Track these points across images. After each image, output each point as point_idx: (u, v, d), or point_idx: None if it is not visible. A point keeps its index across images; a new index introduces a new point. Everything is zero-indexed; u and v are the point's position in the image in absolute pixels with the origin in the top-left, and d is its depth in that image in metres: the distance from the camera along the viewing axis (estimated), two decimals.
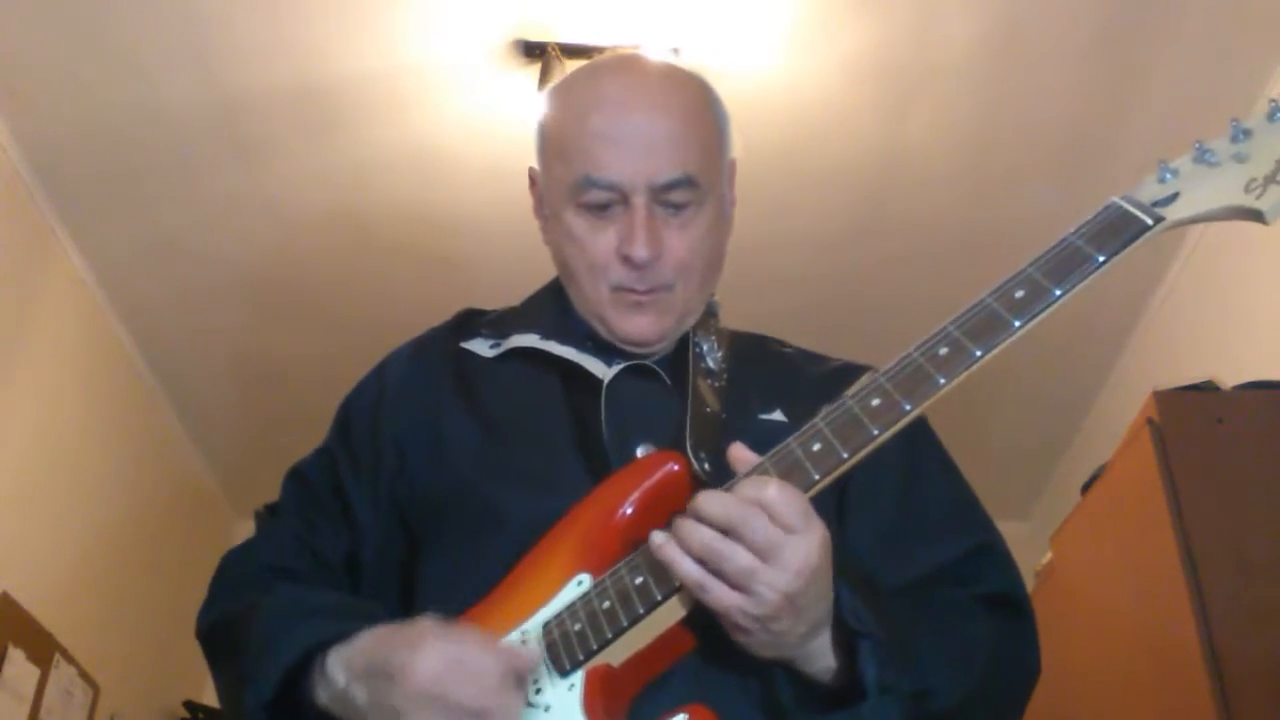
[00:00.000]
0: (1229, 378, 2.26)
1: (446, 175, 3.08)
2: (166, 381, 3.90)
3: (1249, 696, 1.83)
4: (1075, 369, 3.77)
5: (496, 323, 1.27)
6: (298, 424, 4.50)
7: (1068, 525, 2.55)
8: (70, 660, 3.27)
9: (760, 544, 0.89)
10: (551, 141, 1.21)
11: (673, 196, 1.15)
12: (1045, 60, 2.79)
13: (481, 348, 1.24)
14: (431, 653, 0.93)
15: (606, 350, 1.19)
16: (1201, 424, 2.07)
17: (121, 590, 3.70)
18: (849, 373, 1.01)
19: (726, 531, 0.90)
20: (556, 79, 2.71)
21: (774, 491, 0.90)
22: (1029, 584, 2.72)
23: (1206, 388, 2.19)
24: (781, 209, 3.19)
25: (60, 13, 2.61)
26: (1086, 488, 2.45)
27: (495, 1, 2.65)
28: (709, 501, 0.92)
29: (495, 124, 2.92)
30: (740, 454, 0.96)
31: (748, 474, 0.95)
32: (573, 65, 2.72)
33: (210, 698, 4.21)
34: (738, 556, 0.89)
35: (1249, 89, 2.80)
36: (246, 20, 2.66)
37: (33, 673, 3.04)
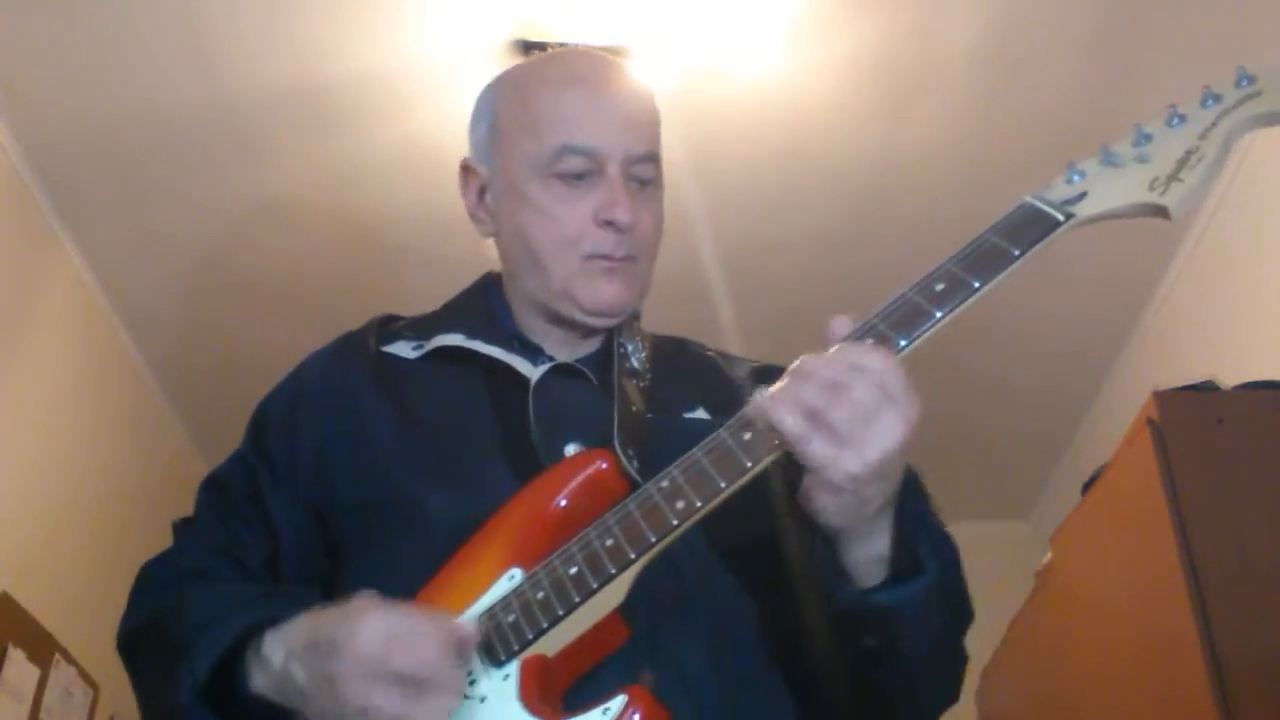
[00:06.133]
0: (1229, 378, 2.26)
1: (446, 175, 3.06)
2: (166, 381, 3.90)
3: (1249, 695, 1.83)
4: (1075, 369, 3.77)
5: (417, 325, 1.27)
6: None
7: (1068, 525, 2.55)
8: (70, 660, 3.27)
9: (867, 402, 0.90)
10: (514, 122, 1.21)
11: (642, 171, 1.18)
12: (1044, 59, 2.79)
13: (404, 350, 1.23)
14: (372, 623, 0.93)
15: (533, 351, 1.20)
16: (1201, 424, 2.07)
17: (121, 590, 3.66)
18: (770, 374, 1.02)
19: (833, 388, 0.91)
20: None
21: (881, 359, 0.91)
22: (1029, 584, 2.74)
23: (1206, 388, 2.19)
24: (782, 209, 3.19)
25: (60, 12, 2.61)
26: (1086, 488, 2.45)
27: (495, 1, 2.65)
28: (816, 359, 0.93)
29: None
30: (839, 322, 0.97)
31: (850, 336, 0.95)
32: None
33: None
34: (845, 406, 0.89)
35: None
36: (246, 20, 2.66)
37: (33, 673, 3.04)
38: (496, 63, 2.78)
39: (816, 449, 0.90)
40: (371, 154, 3.03)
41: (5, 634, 2.91)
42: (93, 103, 2.85)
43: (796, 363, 0.94)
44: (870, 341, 0.94)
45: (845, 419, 0.89)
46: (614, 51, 2.74)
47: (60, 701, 3.19)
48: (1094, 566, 2.43)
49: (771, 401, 0.92)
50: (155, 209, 3.19)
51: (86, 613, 3.42)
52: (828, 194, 3.16)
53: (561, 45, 2.72)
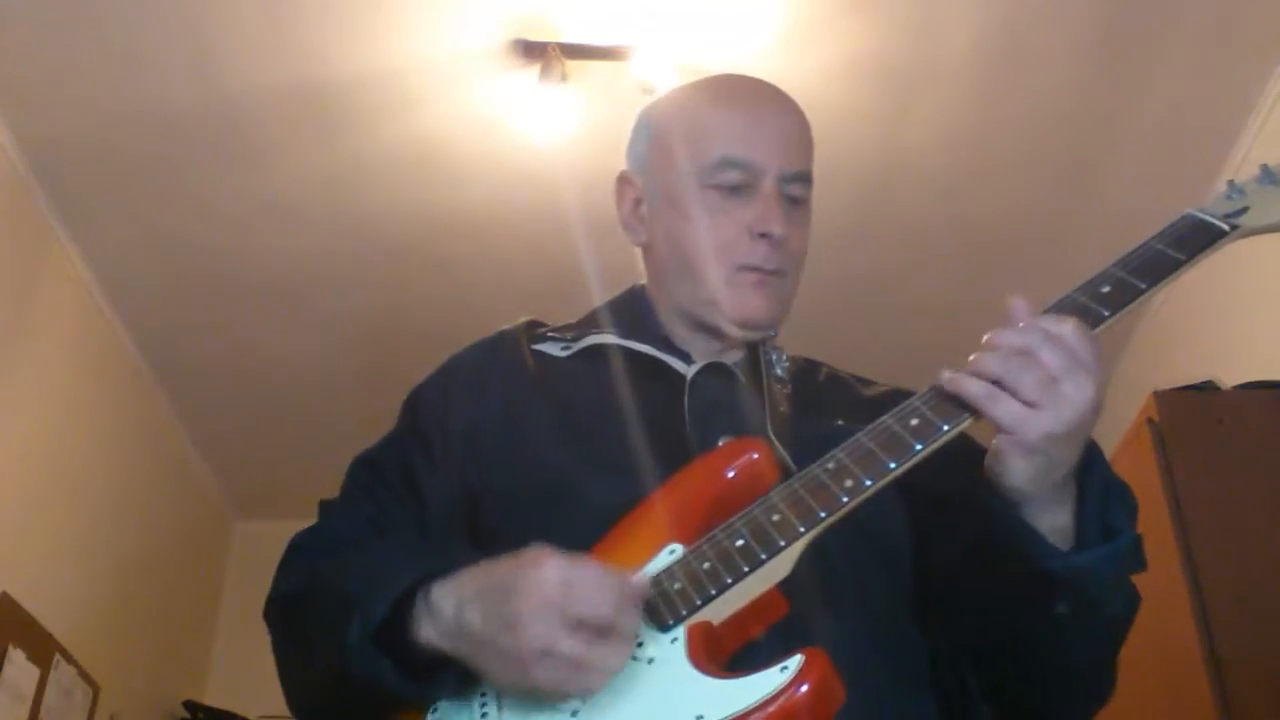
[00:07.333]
0: (1229, 378, 2.26)
1: (447, 174, 3.08)
2: (166, 381, 3.90)
3: (1249, 697, 1.83)
4: None
5: (564, 329, 1.30)
6: (298, 424, 4.49)
7: None
8: (70, 660, 3.27)
9: (1055, 366, 0.93)
10: (674, 132, 1.26)
11: (795, 190, 1.22)
12: (1043, 59, 2.79)
13: (553, 349, 1.26)
14: (552, 568, 0.94)
15: (681, 353, 1.23)
16: (1201, 424, 2.08)
17: (122, 590, 3.70)
18: (897, 397, 1.04)
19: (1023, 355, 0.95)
20: (557, 77, 2.72)
21: (1072, 328, 0.95)
22: None
23: (1206, 388, 2.20)
24: None
25: (61, 12, 2.61)
26: None
27: (495, 1, 2.65)
28: (1004, 330, 0.96)
29: (496, 123, 2.92)
30: (1019, 303, 0.99)
31: (1046, 311, 0.98)
32: (572, 65, 2.74)
33: (210, 697, 4.21)
34: (1034, 370, 0.93)
35: (1246, 89, 2.80)
36: (246, 20, 2.66)
37: (33, 673, 3.05)
38: (498, 63, 2.78)
39: (1006, 408, 0.94)
40: (371, 154, 3.03)
41: (5, 634, 2.92)
42: (94, 102, 2.85)
43: (986, 337, 0.98)
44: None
45: (1034, 382, 0.93)
46: (614, 52, 2.74)
47: (60, 701, 3.20)
48: None
49: (955, 373, 0.96)
50: (156, 209, 3.19)
51: (86, 613, 3.43)
52: (827, 193, 3.14)
53: (562, 45, 2.72)
